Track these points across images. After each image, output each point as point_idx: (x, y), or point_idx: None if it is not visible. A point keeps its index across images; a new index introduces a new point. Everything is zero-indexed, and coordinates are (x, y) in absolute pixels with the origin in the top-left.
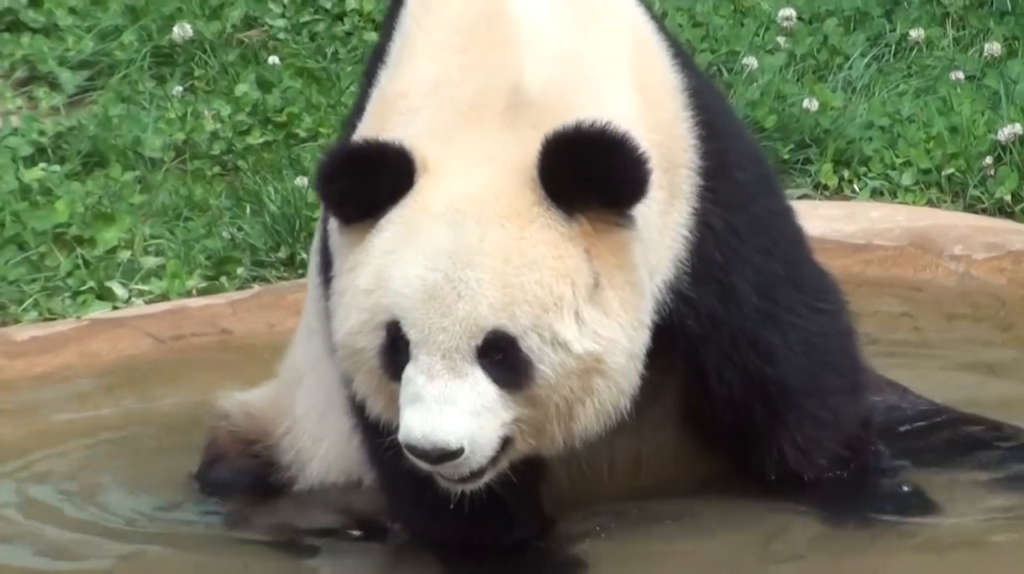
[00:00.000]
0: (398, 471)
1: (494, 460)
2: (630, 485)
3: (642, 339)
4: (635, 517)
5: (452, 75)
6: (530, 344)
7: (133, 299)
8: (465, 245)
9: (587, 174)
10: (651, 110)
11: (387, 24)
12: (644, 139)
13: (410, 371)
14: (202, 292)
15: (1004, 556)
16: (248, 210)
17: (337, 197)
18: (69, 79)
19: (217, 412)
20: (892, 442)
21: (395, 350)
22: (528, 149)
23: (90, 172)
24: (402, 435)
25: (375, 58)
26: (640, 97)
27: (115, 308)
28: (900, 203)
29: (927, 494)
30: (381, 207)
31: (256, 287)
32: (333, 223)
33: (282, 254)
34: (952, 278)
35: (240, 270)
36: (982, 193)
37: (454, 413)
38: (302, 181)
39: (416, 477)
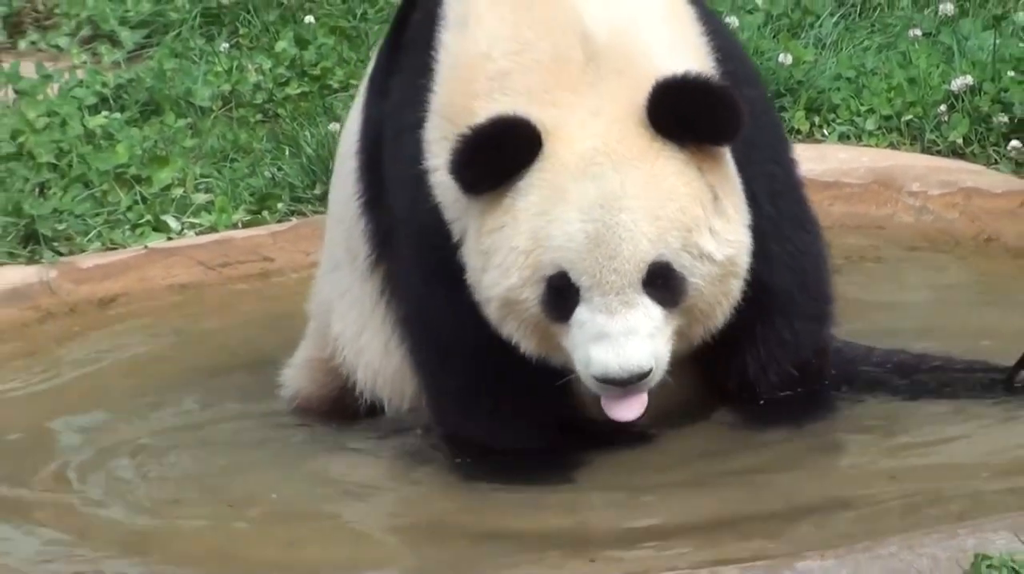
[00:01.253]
0: (451, 388)
1: None
2: None
3: (750, 236)
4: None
5: (525, 33)
6: (683, 263)
7: (185, 231)
8: (611, 193)
9: (693, 115)
10: (684, 39)
11: None
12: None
13: (584, 314)
14: (246, 225)
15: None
16: (287, 152)
17: (473, 176)
18: (128, 37)
19: (287, 392)
20: (844, 371)
21: (560, 298)
22: (626, 97)
23: (147, 119)
24: (596, 370)
25: (410, 25)
26: (671, 29)
27: (169, 239)
28: (864, 146)
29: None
30: (511, 175)
31: (294, 220)
32: (448, 191)
33: (317, 191)
34: (910, 212)
35: (280, 205)
36: (937, 137)
37: (639, 341)
38: (335, 126)
39: (467, 388)
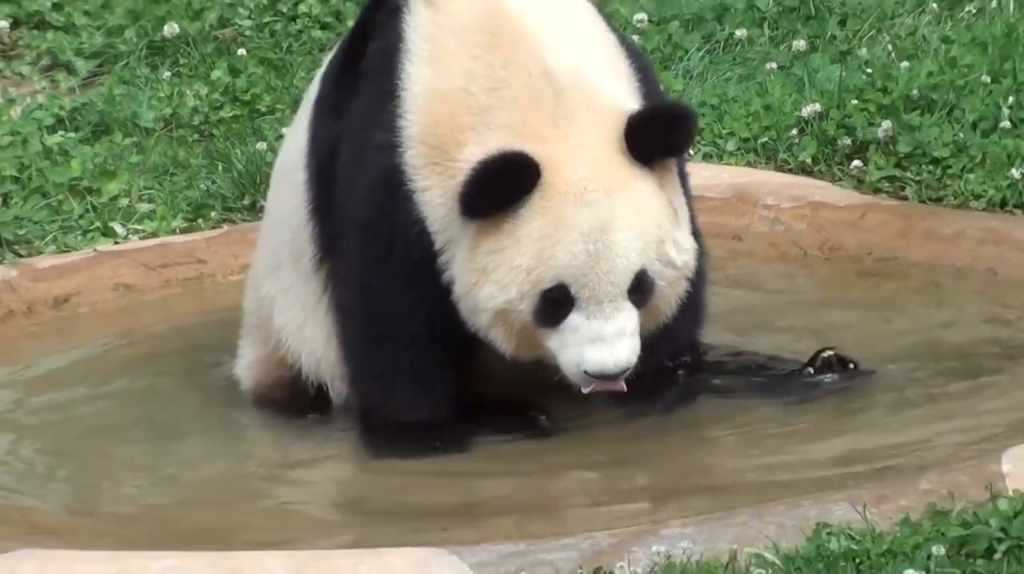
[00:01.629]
0: (381, 368)
1: None
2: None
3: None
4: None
5: (499, 72)
6: (655, 270)
7: (130, 236)
8: (607, 217)
9: (660, 140)
10: (625, 75)
11: (384, 23)
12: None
13: (578, 320)
14: (184, 231)
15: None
16: (220, 168)
17: (479, 204)
18: (83, 66)
19: (245, 386)
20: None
21: (554, 307)
22: (601, 129)
23: (98, 138)
24: (593, 367)
25: (368, 53)
26: (613, 67)
27: (116, 243)
28: (725, 164)
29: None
30: (512, 203)
31: (226, 227)
32: (436, 209)
33: (246, 201)
34: (765, 222)
35: (213, 214)
36: (789, 157)
37: (627, 341)
38: (262, 145)
39: (394, 370)
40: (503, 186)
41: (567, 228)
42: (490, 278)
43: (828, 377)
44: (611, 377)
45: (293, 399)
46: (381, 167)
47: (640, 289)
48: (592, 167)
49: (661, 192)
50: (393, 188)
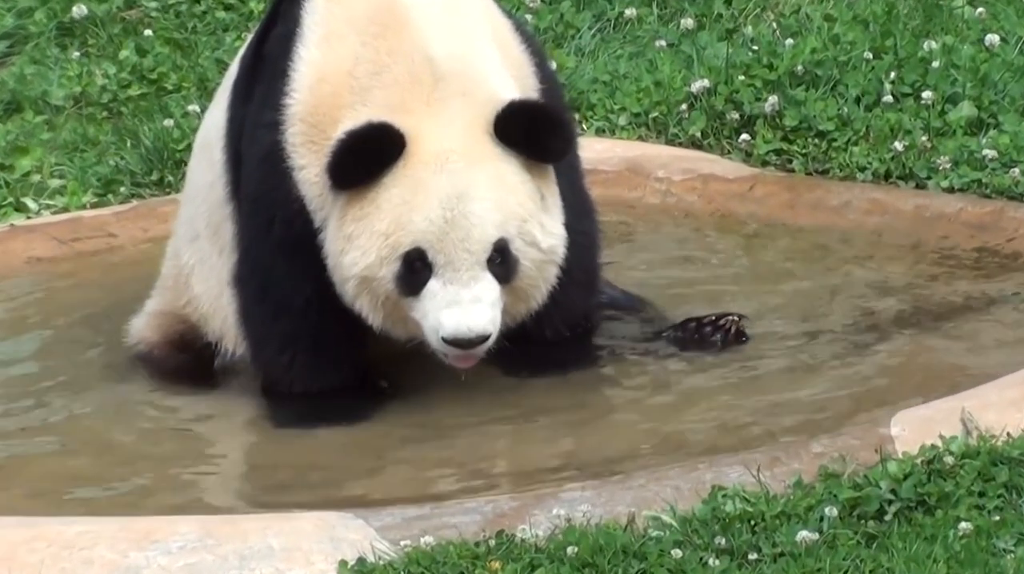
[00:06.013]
0: (280, 339)
1: None
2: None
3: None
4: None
5: (383, 58)
6: (517, 247)
7: (42, 211)
8: (464, 186)
9: (533, 133)
10: (512, 62)
11: (286, 10)
12: (517, 91)
13: (436, 286)
14: (94, 206)
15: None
16: (128, 144)
17: (345, 175)
18: None
19: (132, 340)
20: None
21: (414, 274)
22: (473, 112)
23: (10, 116)
24: (447, 331)
25: (270, 38)
26: (503, 54)
27: (28, 218)
28: (617, 139)
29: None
30: (377, 173)
31: (135, 202)
32: (313, 186)
33: (154, 177)
34: (657, 195)
35: (123, 189)
36: (679, 131)
37: (483, 307)
38: (169, 123)
39: (289, 339)
40: (367, 156)
41: (425, 194)
42: (353, 244)
43: (715, 338)
44: (467, 343)
45: (178, 359)
46: (266, 144)
47: (502, 263)
48: (457, 142)
49: (528, 176)
50: (274, 165)
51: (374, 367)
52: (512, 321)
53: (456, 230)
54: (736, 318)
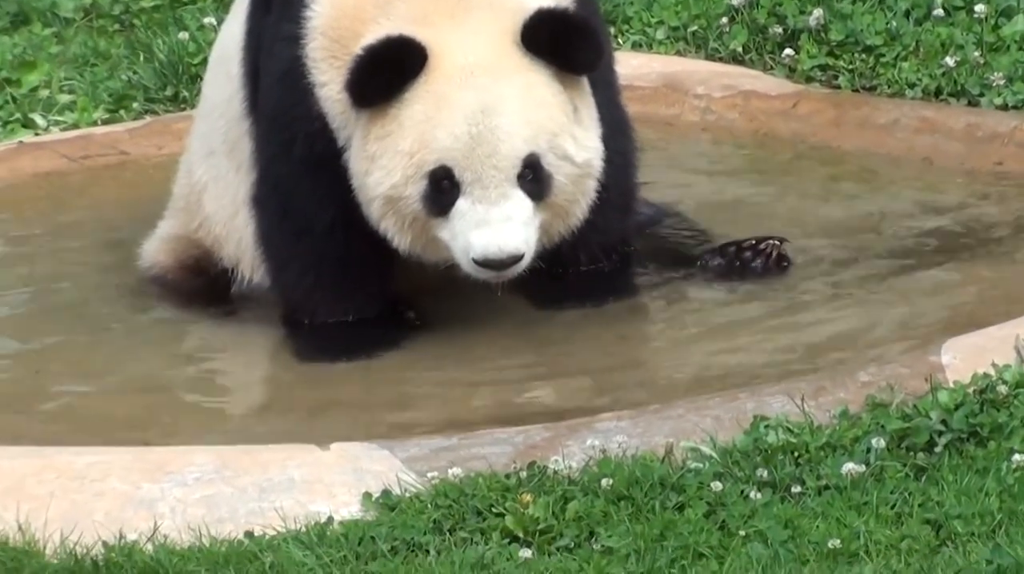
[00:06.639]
0: (302, 262)
1: None
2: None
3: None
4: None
5: None
6: (549, 161)
7: (51, 128)
8: (491, 100)
9: (563, 42)
10: None
11: None
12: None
13: (465, 205)
14: (105, 122)
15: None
16: (141, 58)
17: (365, 92)
18: None
19: (145, 263)
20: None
21: (441, 193)
22: (500, 22)
23: (17, 28)
24: (477, 252)
25: None
26: None
27: (37, 134)
28: (655, 53)
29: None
30: (398, 89)
31: (148, 118)
32: (335, 104)
33: (168, 92)
34: (696, 112)
35: (135, 105)
36: (719, 46)
37: (515, 226)
38: (184, 35)
39: (313, 263)
40: (387, 71)
41: (449, 109)
42: (377, 164)
43: (756, 263)
44: (499, 263)
45: (193, 283)
46: (285, 59)
47: (534, 179)
48: (482, 54)
49: (560, 88)
50: (294, 80)
51: (402, 298)
52: (550, 241)
53: (483, 146)
54: (777, 242)
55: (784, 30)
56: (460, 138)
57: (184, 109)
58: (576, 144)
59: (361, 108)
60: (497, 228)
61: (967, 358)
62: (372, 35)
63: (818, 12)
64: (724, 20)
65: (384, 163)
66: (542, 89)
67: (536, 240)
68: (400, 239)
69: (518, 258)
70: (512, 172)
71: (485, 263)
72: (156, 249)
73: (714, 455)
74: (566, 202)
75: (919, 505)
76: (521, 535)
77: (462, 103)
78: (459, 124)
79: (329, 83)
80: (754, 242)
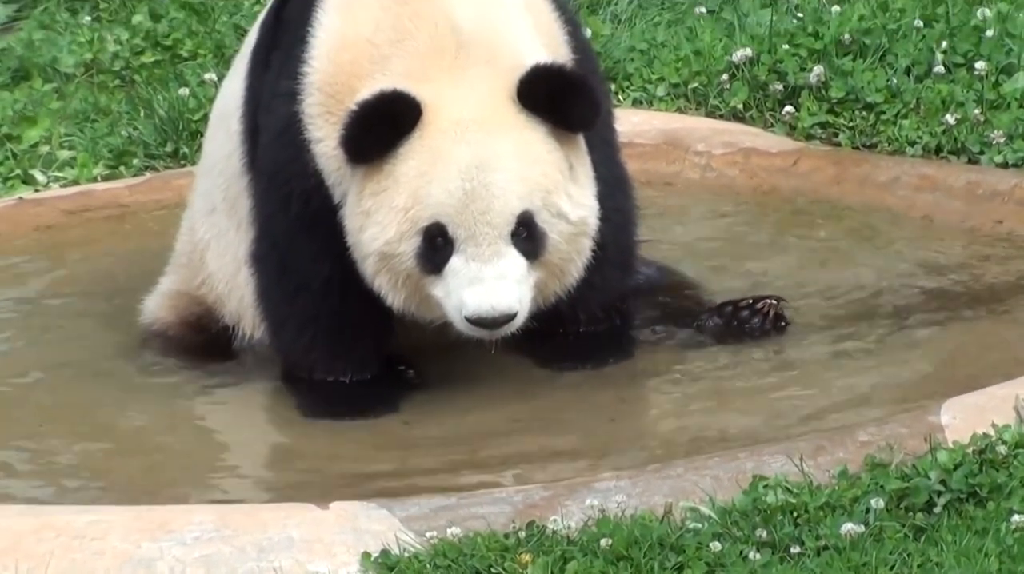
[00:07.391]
0: (300, 320)
1: None
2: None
3: (597, 203)
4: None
5: (405, 24)
6: (544, 219)
7: (51, 184)
8: (486, 156)
9: (559, 99)
10: (543, 29)
11: None
12: (547, 57)
13: (458, 263)
14: (105, 178)
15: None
16: (142, 114)
17: (359, 148)
18: (1, 11)
19: (147, 319)
20: (640, 301)
21: (435, 250)
22: (496, 79)
23: (18, 84)
24: (470, 311)
25: (290, 2)
26: (533, 20)
27: (37, 191)
28: (655, 111)
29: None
30: (393, 144)
31: (148, 175)
32: (331, 160)
33: (168, 148)
34: (696, 169)
35: (135, 161)
36: (720, 103)
37: (508, 285)
38: (184, 91)
39: (310, 320)
40: (381, 126)
41: (444, 165)
42: (372, 220)
43: (753, 322)
44: (492, 322)
45: (194, 340)
46: (282, 115)
47: (528, 237)
48: (478, 110)
49: (555, 145)
50: (291, 137)
51: (401, 356)
52: (546, 301)
53: (476, 202)
54: (774, 301)
55: (784, 87)
56: (454, 194)
57: (184, 165)
58: (571, 202)
59: (356, 164)
60: (490, 286)
61: (967, 418)
62: (368, 90)
63: (819, 69)
64: (724, 77)
65: (379, 219)
66: (537, 146)
67: (530, 299)
68: (394, 297)
69: (511, 317)
70: (506, 229)
71: (478, 322)
72: (158, 305)
73: (713, 515)
74: (561, 261)
75: (918, 566)
76: None
77: (456, 159)
78: (453, 180)
79: (325, 139)
80: (751, 301)
